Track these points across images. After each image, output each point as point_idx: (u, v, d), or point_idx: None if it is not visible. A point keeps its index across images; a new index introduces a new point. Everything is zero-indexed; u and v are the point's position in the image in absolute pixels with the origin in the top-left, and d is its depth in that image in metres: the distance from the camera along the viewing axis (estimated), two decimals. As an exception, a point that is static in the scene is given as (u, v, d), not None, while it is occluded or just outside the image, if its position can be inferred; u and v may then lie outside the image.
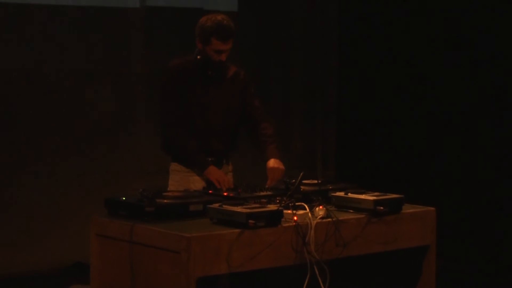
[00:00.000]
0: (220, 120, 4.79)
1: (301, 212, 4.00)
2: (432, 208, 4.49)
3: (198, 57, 4.72)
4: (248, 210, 3.83)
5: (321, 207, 4.08)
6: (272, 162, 4.68)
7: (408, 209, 4.41)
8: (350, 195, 4.32)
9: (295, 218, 3.95)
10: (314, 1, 8.06)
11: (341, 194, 4.36)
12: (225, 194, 4.33)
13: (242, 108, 4.86)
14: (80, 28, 6.89)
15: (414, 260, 4.50)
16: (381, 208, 4.22)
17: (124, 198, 4.08)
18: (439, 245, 4.50)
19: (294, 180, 4.41)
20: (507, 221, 6.67)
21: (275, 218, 3.91)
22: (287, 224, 3.93)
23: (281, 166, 4.67)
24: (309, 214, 3.99)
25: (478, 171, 6.88)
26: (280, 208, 3.98)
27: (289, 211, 3.98)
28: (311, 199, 4.17)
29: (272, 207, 3.99)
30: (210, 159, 4.73)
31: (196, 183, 4.73)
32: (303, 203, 4.06)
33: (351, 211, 4.27)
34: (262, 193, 4.35)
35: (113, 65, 7.06)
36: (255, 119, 4.87)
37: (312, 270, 3.92)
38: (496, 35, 6.81)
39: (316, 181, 4.56)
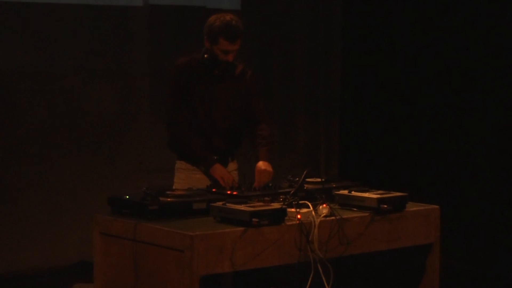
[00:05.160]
0: (225, 118, 4.79)
1: (304, 210, 4.00)
2: (436, 206, 4.49)
3: (205, 55, 4.72)
4: (252, 209, 3.83)
5: (324, 205, 4.08)
6: (260, 165, 4.67)
7: (412, 207, 4.41)
8: (353, 193, 4.32)
9: (299, 216, 3.95)
10: (318, 0, 8.05)
11: (345, 192, 4.36)
12: (229, 192, 4.33)
13: (246, 108, 4.86)
14: (83, 27, 6.89)
15: (418, 258, 4.50)
16: (385, 206, 4.22)
17: (127, 197, 4.08)
18: (443, 243, 4.50)
19: (297, 178, 4.41)
20: (511, 219, 6.67)
21: (279, 216, 3.91)
22: (290, 223, 3.93)
23: (269, 169, 4.66)
24: (313, 212, 4.00)
25: (482, 169, 6.88)
26: (284, 206, 3.99)
27: (293, 209, 3.99)
28: (315, 197, 4.17)
29: (275, 205, 3.99)
30: (215, 157, 4.74)
31: (201, 181, 4.72)
32: (306, 201, 4.07)
33: (355, 209, 4.27)
34: (265, 191, 4.34)
35: (117, 63, 7.06)
36: (254, 119, 4.87)
37: (315, 268, 3.92)
38: (498, 35, 6.80)
39: (319, 179, 4.56)
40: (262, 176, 4.62)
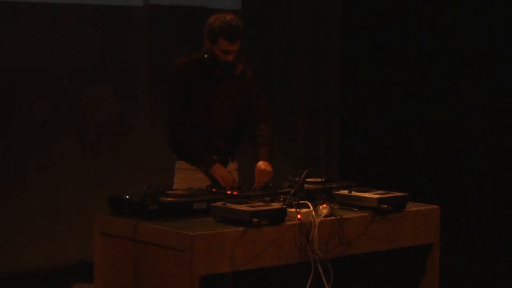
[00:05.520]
0: (225, 118, 4.79)
1: (304, 210, 4.00)
2: (436, 206, 4.49)
3: (206, 56, 4.72)
4: (252, 209, 3.83)
5: (324, 205, 4.08)
6: (260, 165, 4.67)
7: (412, 207, 4.41)
8: (353, 193, 4.32)
9: (299, 216, 3.95)
10: (318, 0, 8.05)
11: (345, 192, 4.36)
12: (229, 192, 4.33)
13: (245, 107, 4.86)
14: (83, 27, 6.89)
15: (418, 258, 4.50)
16: (385, 206, 4.22)
17: (127, 197, 4.08)
18: (442, 243, 4.50)
19: (297, 178, 4.41)
20: (511, 219, 6.67)
21: (279, 216, 3.91)
22: (290, 223, 3.93)
23: (268, 168, 4.66)
24: (313, 212, 3.99)
25: (482, 169, 6.87)
26: (284, 206, 3.98)
27: (293, 209, 3.98)
28: (315, 197, 4.17)
29: (275, 205, 3.99)
30: (215, 157, 4.74)
31: (202, 181, 4.72)
32: (306, 201, 4.06)
33: (355, 209, 4.27)
34: (265, 191, 4.34)
35: (117, 63, 7.06)
36: (254, 119, 4.87)
37: (315, 268, 3.92)
38: (499, 35, 6.80)
39: (319, 179, 4.56)
40: (262, 176, 4.62)
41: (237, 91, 4.82)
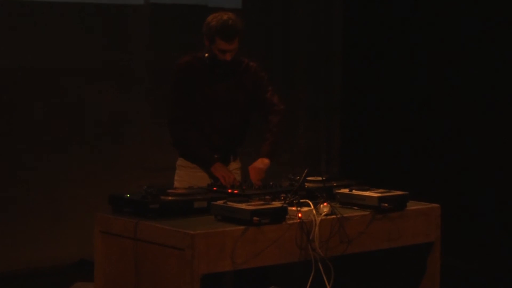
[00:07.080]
0: (227, 117, 4.78)
1: (305, 209, 4.00)
2: (437, 205, 4.49)
3: (206, 54, 4.72)
4: (253, 207, 3.83)
5: (325, 204, 4.08)
6: (255, 163, 4.66)
7: (412, 205, 4.40)
8: (354, 192, 4.32)
9: (300, 215, 3.95)
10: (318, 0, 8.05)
11: (346, 191, 4.36)
12: (230, 191, 4.33)
13: (253, 102, 4.84)
14: (84, 26, 6.89)
15: (419, 257, 4.50)
16: (386, 205, 4.22)
17: (128, 195, 4.08)
18: (443, 242, 4.49)
19: (298, 177, 4.41)
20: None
21: (280, 215, 3.90)
22: (291, 221, 3.93)
23: (259, 166, 4.64)
24: (314, 211, 3.99)
25: (483, 168, 6.88)
26: (285, 205, 3.98)
27: (294, 208, 3.98)
28: (316, 196, 4.17)
29: (276, 204, 3.99)
30: (216, 156, 4.73)
31: (202, 179, 4.72)
32: (307, 200, 4.06)
33: (356, 208, 4.27)
34: (266, 190, 4.34)
35: (118, 62, 7.06)
36: (264, 112, 4.84)
37: (316, 267, 3.92)
38: (499, 35, 6.80)
39: (320, 178, 4.55)
40: (255, 174, 4.60)
41: (239, 89, 4.80)
